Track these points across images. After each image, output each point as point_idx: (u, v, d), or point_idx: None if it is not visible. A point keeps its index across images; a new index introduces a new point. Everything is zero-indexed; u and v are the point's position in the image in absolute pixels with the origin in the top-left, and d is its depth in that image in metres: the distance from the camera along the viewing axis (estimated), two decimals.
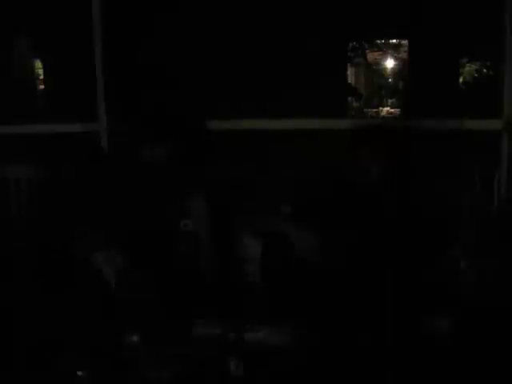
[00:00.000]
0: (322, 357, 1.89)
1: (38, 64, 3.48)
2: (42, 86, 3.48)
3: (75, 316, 1.98)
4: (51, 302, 2.06)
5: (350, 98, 3.35)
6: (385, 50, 3.33)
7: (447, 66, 3.16)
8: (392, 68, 3.35)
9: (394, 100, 3.37)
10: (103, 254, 2.12)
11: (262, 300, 2.18)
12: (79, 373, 1.66)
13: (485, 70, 3.20)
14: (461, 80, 3.21)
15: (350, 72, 3.35)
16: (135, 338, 1.94)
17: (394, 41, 3.30)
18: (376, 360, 1.88)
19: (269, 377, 1.77)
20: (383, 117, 3.33)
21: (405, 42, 3.26)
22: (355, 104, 3.38)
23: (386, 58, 3.34)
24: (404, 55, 3.29)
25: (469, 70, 3.22)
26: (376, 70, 3.37)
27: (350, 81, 3.35)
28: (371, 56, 3.36)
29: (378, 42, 3.32)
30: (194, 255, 2.33)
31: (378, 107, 3.37)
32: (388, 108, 3.36)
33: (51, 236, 2.26)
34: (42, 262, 2.20)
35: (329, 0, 3.16)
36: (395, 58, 3.32)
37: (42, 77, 3.48)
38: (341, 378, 1.84)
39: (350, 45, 3.30)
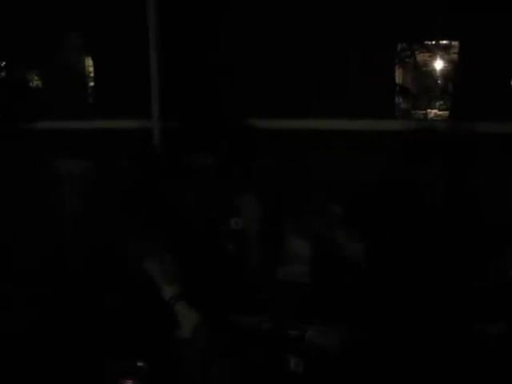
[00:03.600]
0: (371, 357, 1.88)
1: (89, 61, 3.55)
2: (91, 83, 3.54)
3: (125, 315, 2.01)
4: (101, 300, 2.09)
5: (398, 99, 3.32)
6: (434, 51, 3.29)
7: (498, 67, 3.10)
8: (441, 70, 3.31)
9: (442, 102, 3.33)
10: (154, 256, 2.12)
11: (311, 300, 2.18)
12: (140, 363, 1.69)
13: None
14: None
15: (399, 73, 3.32)
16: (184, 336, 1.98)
17: (444, 42, 3.26)
18: (424, 361, 1.87)
19: (323, 375, 1.78)
20: (431, 119, 3.29)
21: (455, 43, 3.22)
22: (403, 105, 3.35)
23: (435, 60, 3.30)
24: (454, 57, 3.25)
25: None
26: (425, 72, 3.34)
27: (398, 82, 3.32)
28: (420, 57, 3.32)
29: (428, 43, 3.29)
30: (243, 253, 2.34)
31: (425, 109, 3.34)
32: (436, 110, 3.32)
33: (103, 234, 2.29)
34: (92, 260, 2.24)
35: (380, 1, 3.14)
36: (445, 60, 3.28)
37: (92, 74, 3.55)
38: (389, 378, 1.84)
39: (400, 46, 3.27)
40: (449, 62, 3.27)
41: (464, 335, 1.96)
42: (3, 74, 3.34)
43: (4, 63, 3.34)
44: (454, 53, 3.23)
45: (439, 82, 3.33)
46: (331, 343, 1.92)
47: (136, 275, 2.08)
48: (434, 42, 3.26)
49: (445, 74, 3.31)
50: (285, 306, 2.11)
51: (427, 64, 3.32)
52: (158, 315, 2.03)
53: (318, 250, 2.27)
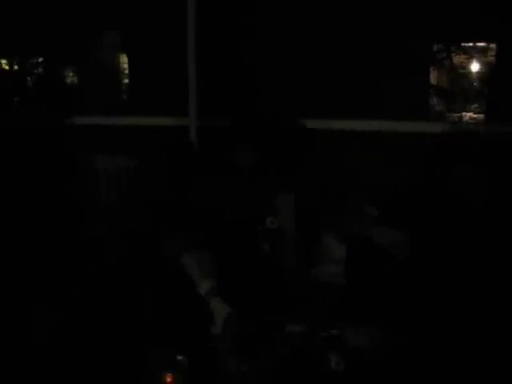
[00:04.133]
0: (406, 357, 1.88)
1: (124, 58, 3.58)
2: (129, 81, 3.56)
3: (163, 309, 2.03)
4: (140, 295, 2.12)
5: (433, 101, 3.29)
6: (471, 53, 3.25)
7: None
8: (477, 72, 3.28)
9: (477, 105, 3.29)
10: (191, 253, 2.14)
11: (345, 301, 2.17)
12: (179, 357, 1.71)
13: None
14: None
15: (434, 75, 3.29)
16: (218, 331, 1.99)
17: (481, 44, 3.22)
18: (463, 361, 1.86)
19: (362, 374, 1.78)
20: (466, 122, 3.26)
21: (492, 45, 3.18)
22: (438, 107, 3.32)
23: (471, 62, 3.26)
24: (490, 59, 3.21)
25: None
26: (461, 74, 3.30)
27: (433, 83, 3.29)
28: (457, 59, 3.29)
29: (465, 44, 3.25)
30: (278, 252, 2.34)
31: (460, 112, 3.30)
32: (471, 113, 3.29)
33: (140, 230, 2.31)
34: (130, 255, 2.26)
35: (417, 1, 3.11)
36: (481, 62, 3.25)
37: (126, 71, 3.58)
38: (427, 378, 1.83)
39: (436, 47, 3.24)
40: (485, 64, 3.23)
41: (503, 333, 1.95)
42: (41, 70, 3.38)
43: (42, 59, 3.38)
44: (491, 55, 3.20)
45: (475, 84, 3.29)
46: (365, 343, 1.92)
47: (174, 271, 2.10)
48: (471, 44, 3.23)
49: (481, 76, 3.27)
50: (318, 306, 2.12)
51: (463, 66, 3.28)
52: (195, 310, 2.05)
53: (354, 251, 2.26)
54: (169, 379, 1.64)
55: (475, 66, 3.26)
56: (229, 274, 2.14)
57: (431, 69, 3.26)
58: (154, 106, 3.32)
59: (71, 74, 3.49)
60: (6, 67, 3.31)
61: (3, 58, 3.31)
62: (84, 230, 2.61)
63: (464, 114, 3.29)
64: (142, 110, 3.37)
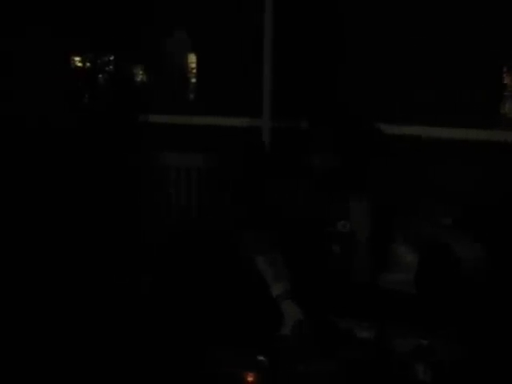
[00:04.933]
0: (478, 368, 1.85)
1: (192, 57, 3.61)
2: (193, 80, 3.60)
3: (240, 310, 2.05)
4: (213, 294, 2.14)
5: (507, 108, 3.21)
6: None
7: None
8: None
9: None
10: (265, 255, 2.15)
11: (414, 309, 2.15)
12: (260, 357, 1.72)
13: None
14: None
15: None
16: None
17: None
18: None
19: None
20: None
21: None
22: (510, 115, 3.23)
23: None
24: None
25: None
26: None
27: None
28: None
29: None
30: (348, 256, 2.33)
31: None
32: None
33: (211, 230, 2.33)
34: (205, 253, 2.29)
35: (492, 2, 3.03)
36: None
37: (194, 70, 3.61)
38: None
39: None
40: None
41: None
42: (111, 67, 3.45)
43: (112, 57, 3.45)
44: None
45: None
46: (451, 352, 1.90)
47: (247, 271, 2.12)
48: None
49: None
50: (387, 313, 2.10)
51: None
52: (268, 312, 2.07)
53: (428, 259, 2.23)
54: (250, 379, 1.66)
55: None
56: (299, 276, 2.15)
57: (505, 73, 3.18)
58: (222, 106, 3.33)
59: (141, 73, 3.55)
60: (80, 64, 3.39)
61: (77, 55, 3.39)
62: (154, 228, 2.65)
63: None
64: (211, 109, 3.39)
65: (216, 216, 2.40)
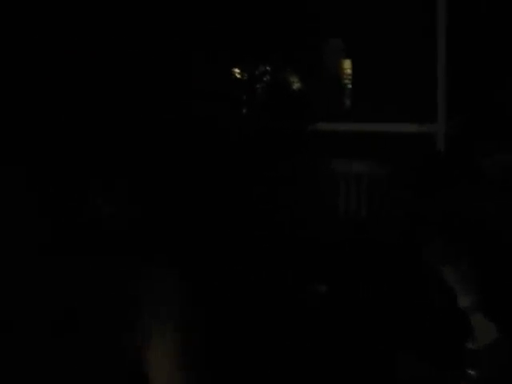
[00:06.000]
0: None
1: (347, 63, 3.59)
2: (349, 86, 3.58)
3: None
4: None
5: None
6: None
7: None
8: None
9: None
10: (454, 263, 2.07)
11: None
12: (470, 371, 1.65)
13: None
14: None
15: None
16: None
17: None
18: None
19: None
20: None
21: None
22: None
23: None
24: None
25: None
26: None
27: None
28: None
29: None
30: None
31: None
32: None
33: (387, 237, 2.28)
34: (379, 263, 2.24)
35: None
36: None
37: (350, 76, 3.59)
38: None
39: None
40: None
41: None
42: (269, 77, 3.50)
43: (269, 68, 3.50)
44: None
45: None
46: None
47: (434, 280, 2.05)
48: None
49: None
50: None
51: None
52: (452, 323, 1.99)
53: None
54: None
55: None
56: (494, 287, 2.04)
57: None
58: (382, 112, 3.28)
59: (296, 81, 3.57)
60: (238, 76, 3.46)
61: (236, 67, 3.48)
62: (325, 236, 2.64)
63: None
64: (370, 115, 3.35)
65: (389, 224, 2.34)
